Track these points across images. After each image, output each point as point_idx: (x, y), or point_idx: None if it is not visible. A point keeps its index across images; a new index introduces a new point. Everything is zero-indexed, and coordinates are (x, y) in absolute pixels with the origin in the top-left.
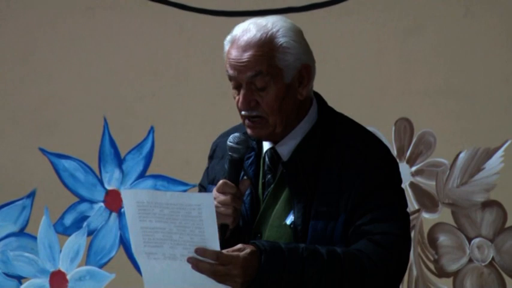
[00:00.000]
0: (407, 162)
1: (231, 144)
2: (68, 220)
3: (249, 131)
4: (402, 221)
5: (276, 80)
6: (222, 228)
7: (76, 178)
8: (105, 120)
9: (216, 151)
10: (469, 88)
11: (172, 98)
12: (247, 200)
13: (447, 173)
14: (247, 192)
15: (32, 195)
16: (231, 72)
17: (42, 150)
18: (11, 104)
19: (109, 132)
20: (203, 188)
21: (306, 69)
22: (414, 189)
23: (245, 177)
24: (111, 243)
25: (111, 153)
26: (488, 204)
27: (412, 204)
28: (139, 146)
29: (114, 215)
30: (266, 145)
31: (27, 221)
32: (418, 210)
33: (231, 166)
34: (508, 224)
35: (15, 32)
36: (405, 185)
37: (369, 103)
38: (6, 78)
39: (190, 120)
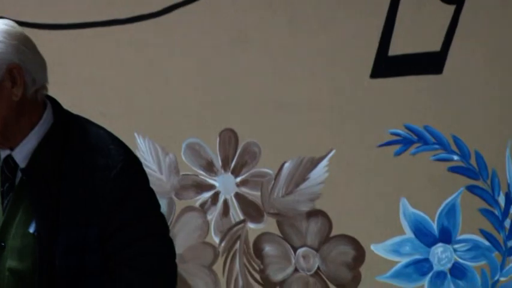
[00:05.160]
0: (232, 173)
1: None
2: None
3: None
4: (157, 232)
5: None
6: None
7: None
8: None
9: None
10: (294, 98)
11: None
12: None
13: (272, 183)
14: None
15: None
16: None
17: None
18: None
19: None
20: None
21: (17, 70)
22: (239, 199)
23: None
24: None
25: None
26: (313, 213)
27: (238, 214)
28: None
29: None
30: (3, 153)
31: None
32: (243, 221)
33: None
34: (332, 233)
35: None
36: (230, 195)
37: (194, 114)
38: None
39: None
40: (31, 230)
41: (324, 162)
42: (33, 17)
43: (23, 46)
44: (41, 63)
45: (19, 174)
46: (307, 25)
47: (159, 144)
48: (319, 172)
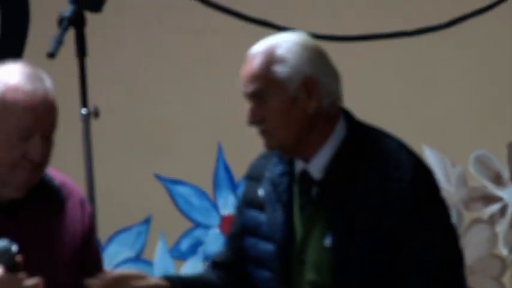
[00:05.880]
0: None
1: None
2: (184, 245)
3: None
4: (447, 242)
5: (277, 93)
6: None
7: (191, 203)
8: (219, 145)
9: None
10: None
11: None
12: (283, 226)
13: None
14: (281, 215)
15: (147, 221)
16: (242, 88)
17: (157, 177)
18: (124, 130)
19: (223, 157)
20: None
21: (312, 82)
22: None
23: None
24: None
25: (226, 178)
26: None
27: None
28: None
29: None
30: (298, 167)
31: (144, 247)
32: None
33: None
34: None
35: (124, 56)
36: None
37: (481, 125)
38: (119, 103)
39: None
40: (327, 242)
41: None
42: (322, 29)
43: (318, 58)
44: (334, 75)
45: (315, 188)
46: None
47: (447, 156)
48: None
